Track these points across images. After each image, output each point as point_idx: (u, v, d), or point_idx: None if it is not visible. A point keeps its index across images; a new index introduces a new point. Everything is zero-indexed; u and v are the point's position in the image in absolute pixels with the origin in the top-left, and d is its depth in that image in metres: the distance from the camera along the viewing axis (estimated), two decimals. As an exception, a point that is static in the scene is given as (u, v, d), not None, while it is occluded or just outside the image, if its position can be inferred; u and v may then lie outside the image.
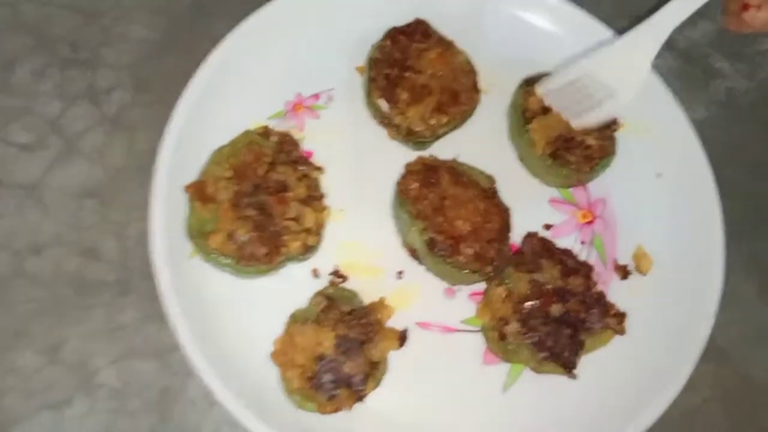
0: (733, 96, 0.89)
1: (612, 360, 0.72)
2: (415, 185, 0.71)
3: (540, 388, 0.71)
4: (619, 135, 0.77)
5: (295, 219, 0.68)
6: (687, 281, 0.74)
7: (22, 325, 0.66)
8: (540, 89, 0.77)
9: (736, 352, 0.76)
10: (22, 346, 0.66)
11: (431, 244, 0.69)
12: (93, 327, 0.67)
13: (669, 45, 0.71)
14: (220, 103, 0.74)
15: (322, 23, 0.79)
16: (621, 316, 0.71)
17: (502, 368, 0.71)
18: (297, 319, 0.67)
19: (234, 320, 0.68)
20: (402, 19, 0.77)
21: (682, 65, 0.88)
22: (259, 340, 0.67)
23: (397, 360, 0.68)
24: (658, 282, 0.76)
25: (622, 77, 0.71)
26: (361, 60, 0.79)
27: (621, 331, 0.71)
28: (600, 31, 0.82)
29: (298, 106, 0.77)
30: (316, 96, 0.78)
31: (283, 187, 0.69)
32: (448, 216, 0.70)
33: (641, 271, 0.76)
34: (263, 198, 0.68)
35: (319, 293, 0.69)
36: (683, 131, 0.79)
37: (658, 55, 0.69)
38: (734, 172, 0.80)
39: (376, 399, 0.67)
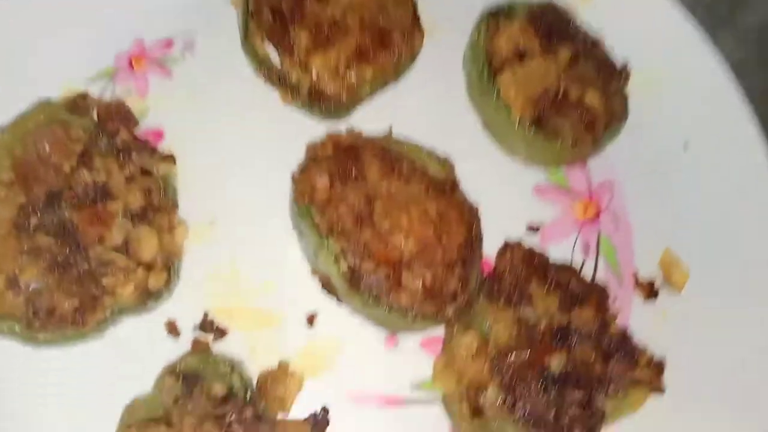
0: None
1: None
2: (322, 181, 0.52)
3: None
4: (629, 92, 0.62)
5: (124, 247, 0.49)
6: (746, 295, 0.58)
7: None
8: None
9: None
10: None
11: (353, 277, 0.50)
12: None
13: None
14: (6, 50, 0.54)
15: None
16: (657, 367, 0.54)
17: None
18: (134, 415, 0.45)
19: (29, 414, 0.48)
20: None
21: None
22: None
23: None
24: (703, 301, 0.59)
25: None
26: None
27: (658, 388, 0.54)
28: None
29: (138, 60, 0.58)
30: (168, 43, 0.59)
31: (101, 194, 0.49)
32: (378, 229, 0.51)
33: (674, 287, 0.60)
34: (66, 215, 0.49)
35: (170, 371, 0.47)
36: (715, 79, 0.64)
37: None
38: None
39: None
